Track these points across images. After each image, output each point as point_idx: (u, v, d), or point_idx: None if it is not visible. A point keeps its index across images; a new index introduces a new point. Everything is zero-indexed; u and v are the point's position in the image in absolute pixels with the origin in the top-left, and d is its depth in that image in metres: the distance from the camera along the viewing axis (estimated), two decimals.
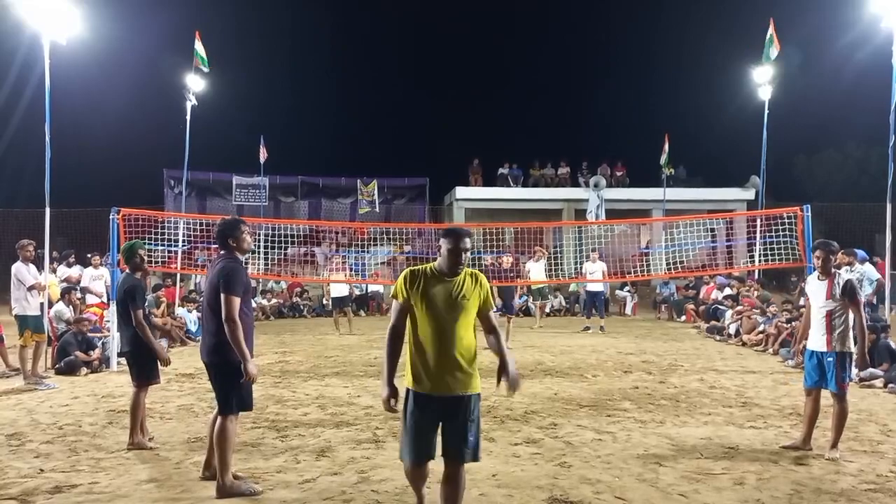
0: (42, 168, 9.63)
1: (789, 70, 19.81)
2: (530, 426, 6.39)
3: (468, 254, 3.81)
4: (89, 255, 12.99)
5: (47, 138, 9.64)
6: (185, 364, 9.92)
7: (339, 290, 14.64)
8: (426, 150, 35.26)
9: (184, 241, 14.41)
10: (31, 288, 8.79)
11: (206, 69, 15.94)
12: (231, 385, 4.53)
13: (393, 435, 6.00)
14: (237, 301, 4.47)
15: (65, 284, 11.69)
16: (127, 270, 5.97)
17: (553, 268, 16.23)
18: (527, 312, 17.38)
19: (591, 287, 15.04)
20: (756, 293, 14.16)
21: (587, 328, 14.74)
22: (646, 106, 38.57)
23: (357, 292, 18.69)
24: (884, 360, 8.55)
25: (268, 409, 7.06)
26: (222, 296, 4.44)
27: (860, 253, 10.88)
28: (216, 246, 4.80)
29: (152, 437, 5.90)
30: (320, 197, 27.02)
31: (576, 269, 17.29)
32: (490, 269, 13.67)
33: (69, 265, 12.84)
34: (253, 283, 18.65)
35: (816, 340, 5.66)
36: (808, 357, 5.74)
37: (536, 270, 14.54)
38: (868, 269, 10.44)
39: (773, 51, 15.42)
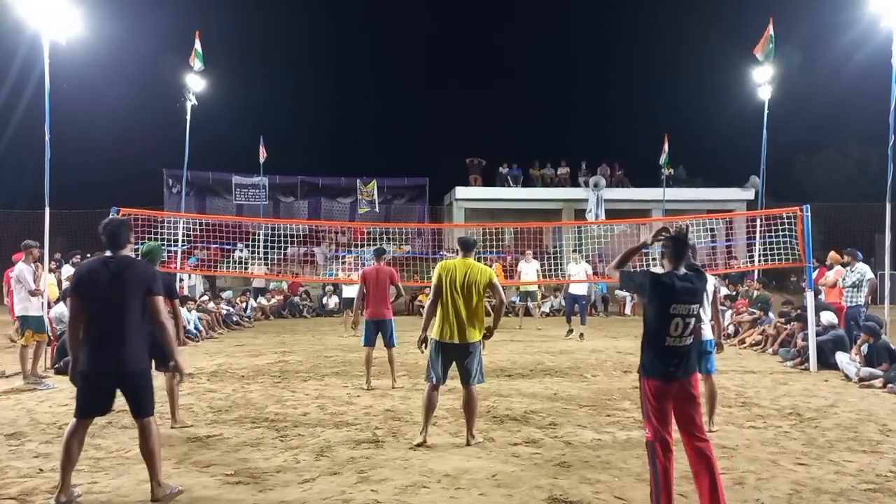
0: (42, 168, 9.63)
1: (789, 70, 19.83)
2: (530, 426, 6.39)
3: (474, 252, 5.96)
4: (89, 255, 12.94)
5: (47, 138, 9.64)
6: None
7: (353, 290, 14.43)
8: (426, 150, 35.33)
9: (183, 240, 14.44)
10: (32, 293, 8.84)
11: (201, 67, 15.96)
12: (150, 388, 4.58)
13: (392, 435, 6.04)
14: (162, 300, 4.54)
15: (67, 284, 11.68)
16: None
17: (554, 268, 16.23)
18: (527, 313, 17.38)
19: (574, 289, 13.83)
20: (756, 293, 14.16)
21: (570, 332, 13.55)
22: (646, 106, 38.66)
23: None
24: (883, 360, 8.54)
25: (267, 409, 7.06)
26: (153, 297, 4.41)
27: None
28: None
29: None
30: (320, 197, 26.99)
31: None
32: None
33: (74, 266, 12.81)
34: (262, 284, 18.98)
35: None
36: None
37: (527, 271, 14.68)
38: (866, 268, 10.44)
39: (767, 51, 15.43)
